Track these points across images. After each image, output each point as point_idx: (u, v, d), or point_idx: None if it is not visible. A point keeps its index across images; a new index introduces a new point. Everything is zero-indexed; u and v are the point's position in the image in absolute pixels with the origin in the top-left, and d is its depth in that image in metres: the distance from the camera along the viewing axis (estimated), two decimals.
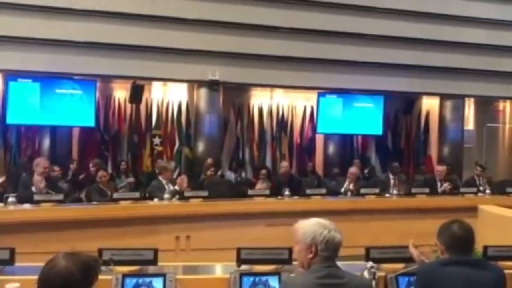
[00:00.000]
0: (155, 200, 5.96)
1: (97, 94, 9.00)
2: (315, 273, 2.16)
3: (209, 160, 8.31)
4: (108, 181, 6.47)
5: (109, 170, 8.38)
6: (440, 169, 7.50)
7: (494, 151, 11.63)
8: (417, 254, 2.85)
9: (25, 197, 5.43)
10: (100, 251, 2.89)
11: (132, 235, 5.28)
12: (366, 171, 9.71)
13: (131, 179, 8.47)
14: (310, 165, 9.93)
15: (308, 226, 2.23)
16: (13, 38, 7.94)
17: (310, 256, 2.20)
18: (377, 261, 2.94)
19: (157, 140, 9.44)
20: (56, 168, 7.23)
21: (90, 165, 7.80)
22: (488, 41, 10.20)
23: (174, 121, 9.55)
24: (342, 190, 7.13)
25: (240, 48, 8.99)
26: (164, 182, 6.28)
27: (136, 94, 8.99)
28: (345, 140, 10.63)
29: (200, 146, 9.35)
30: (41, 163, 5.78)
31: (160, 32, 8.59)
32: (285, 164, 8.10)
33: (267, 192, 6.50)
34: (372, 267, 2.75)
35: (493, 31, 10.25)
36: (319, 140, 10.50)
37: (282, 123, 10.24)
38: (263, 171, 7.82)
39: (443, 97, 10.72)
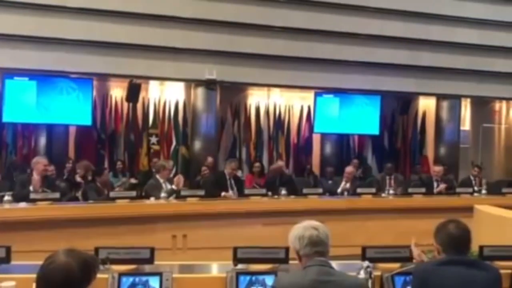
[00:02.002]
0: (152, 199, 5.95)
1: (94, 93, 8.98)
2: (307, 271, 2.19)
3: (209, 159, 8.27)
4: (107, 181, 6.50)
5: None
6: (437, 169, 7.52)
7: (490, 151, 11.68)
8: (418, 253, 2.86)
9: (21, 196, 5.41)
10: (97, 250, 2.88)
11: (129, 233, 5.27)
12: (359, 171, 9.72)
13: (133, 180, 8.43)
14: (307, 165, 9.94)
15: (290, 234, 2.30)
16: (9, 36, 7.92)
17: (299, 260, 2.27)
18: (373, 260, 2.94)
19: (153, 139, 9.44)
20: (50, 168, 7.17)
21: (78, 170, 7.31)
22: (484, 42, 10.23)
23: (171, 120, 9.54)
24: (339, 190, 7.14)
25: (237, 47, 8.99)
26: (161, 181, 6.28)
27: (133, 93, 8.97)
28: (342, 140, 10.64)
29: (197, 145, 9.34)
30: (41, 161, 5.75)
31: (158, 31, 8.57)
32: (278, 162, 8.21)
33: (264, 191, 6.50)
34: (368, 266, 2.75)
35: (489, 32, 10.29)
36: (316, 139, 10.51)
37: (279, 123, 10.24)
38: (257, 164, 8.02)
39: (440, 97, 10.75)
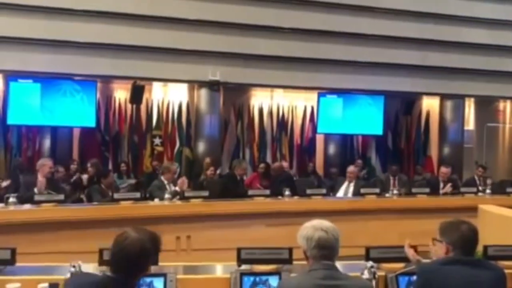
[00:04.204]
0: (156, 200, 5.96)
1: (98, 95, 9.02)
2: (312, 274, 2.18)
3: (207, 160, 8.28)
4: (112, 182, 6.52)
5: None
6: (444, 170, 7.46)
7: (494, 151, 11.63)
8: (412, 253, 2.87)
9: (26, 198, 5.43)
10: (101, 251, 2.88)
11: None
12: (364, 171, 9.71)
13: (132, 181, 8.46)
14: (310, 165, 9.94)
15: (299, 233, 2.28)
16: (14, 38, 7.96)
17: (306, 260, 2.26)
18: (377, 260, 2.94)
19: (157, 141, 9.46)
20: (61, 169, 7.22)
21: (88, 165, 7.76)
22: (488, 41, 10.21)
23: (175, 122, 9.57)
24: (342, 194, 7.11)
25: (241, 48, 9.01)
26: (165, 182, 6.29)
27: (137, 94, 9.00)
28: (346, 140, 10.64)
29: (201, 147, 9.36)
30: (46, 164, 5.77)
31: (161, 33, 8.60)
32: (282, 163, 8.26)
33: (267, 192, 6.50)
34: (372, 266, 2.76)
35: (493, 31, 10.26)
36: (320, 140, 10.51)
37: (283, 124, 10.25)
38: (262, 165, 7.98)
39: (443, 97, 10.73)
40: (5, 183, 6.44)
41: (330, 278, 2.16)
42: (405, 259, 2.99)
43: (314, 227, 2.23)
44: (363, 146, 10.83)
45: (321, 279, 2.14)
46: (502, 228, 4.34)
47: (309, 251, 2.21)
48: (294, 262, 2.97)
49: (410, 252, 2.88)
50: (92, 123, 8.92)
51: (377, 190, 6.87)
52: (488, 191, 7.19)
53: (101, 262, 2.86)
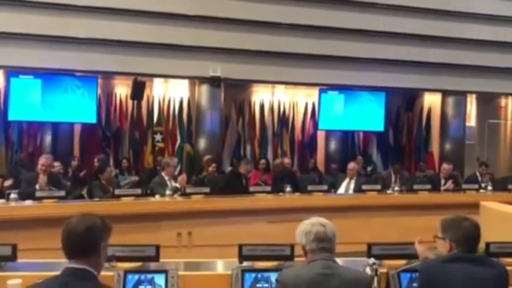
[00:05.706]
0: (157, 196, 5.96)
1: (99, 91, 9.01)
2: (311, 265, 2.24)
3: (207, 157, 8.24)
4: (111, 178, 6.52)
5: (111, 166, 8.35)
6: (446, 167, 7.46)
7: (495, 148, 11.62)
8: (423, 250, 2.85)
9: (27, 194, 5.44)
10: None
11: (134, 231, 5.27)
12: (369, 168, 9.68)
13: (135, 178, 8.45)
14: (311, 162, 9.94)
15: (297, 230, 2.36)
16: (14, 34, 7.94)
17: (305, 256, 2.32)
18: (379, 257, 2.93)
19: (158, 137, 9.46)
20: (56, 163, 7.22)
21: (95, 160, 7.80)
22: (490, 37, 10.17)
23: (176, 118, 9.56)
24: (343, 190, 7.10)
25: (242, 44, 8.98)
26: (166, 178, 6.28)
27: (138, 90, 8.99)
28: (347, 137, 10.62)
29: (201, 143, 9.35)
30: (41, 161, 5.81)
31: (162, 29, 8.57)
32: (284, 159, 8.25)
33: (269, 188, 6.50)
34: (374, 263, 2.74)
35: (495, 27, 10.22)
36: (321, 136, 10.50)
37: (284, 120, 10.23)
38: (262, 161, 7.96)
39: (445, 93, 10.71)
40: (7, 183, 6.42)
41: (329, 267, 2.22)
42: (407, 256, 2.99)
43: (312, 223, 2.33)
44: (364, 142, 10.81)
45: (321, 269, 2.20)
46: (503, 225, 4.34)
47: (308, 244, 2.28)
48: (296, 259, 2.96)
49: (420, 249, 2.87)
50: (93, 119, 8.91)
51: (378, 187, 6.87)
52: (489, 187, 7.19)
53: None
